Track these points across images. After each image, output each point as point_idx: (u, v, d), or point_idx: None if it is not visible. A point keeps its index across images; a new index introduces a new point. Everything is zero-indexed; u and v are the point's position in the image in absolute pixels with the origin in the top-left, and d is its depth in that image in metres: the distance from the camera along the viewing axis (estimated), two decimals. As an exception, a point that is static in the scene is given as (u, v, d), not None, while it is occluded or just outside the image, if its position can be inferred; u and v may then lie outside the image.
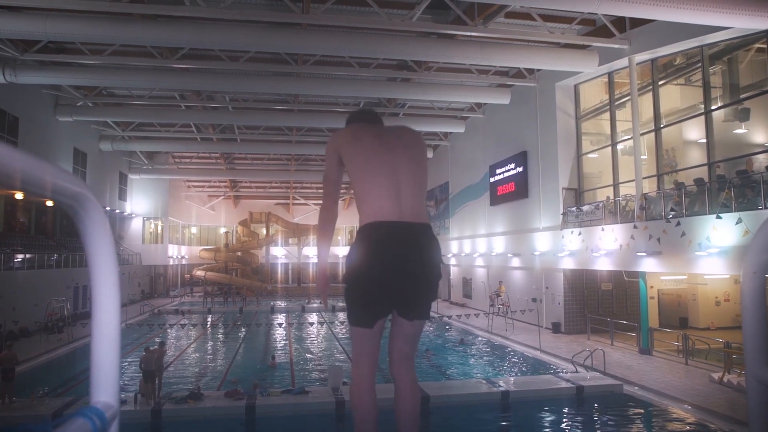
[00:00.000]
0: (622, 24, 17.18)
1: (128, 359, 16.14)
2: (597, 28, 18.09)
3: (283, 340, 21.78)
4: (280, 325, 24.20)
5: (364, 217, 2.38)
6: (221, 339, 22.67)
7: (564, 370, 14.34)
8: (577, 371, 13.82)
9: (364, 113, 2.81)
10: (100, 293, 0.98)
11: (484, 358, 17.97)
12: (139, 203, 38.97)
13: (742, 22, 13.12)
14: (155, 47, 18.55)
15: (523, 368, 15.99)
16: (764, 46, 13.90)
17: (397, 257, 2.28)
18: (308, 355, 18.73)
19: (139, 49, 18.99)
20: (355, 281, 2.35)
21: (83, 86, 23.80)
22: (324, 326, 24.58)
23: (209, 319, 28.08)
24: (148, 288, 39.14)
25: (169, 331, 22.49)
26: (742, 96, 15.04)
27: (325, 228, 2.51)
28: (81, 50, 19.00)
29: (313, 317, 28.47)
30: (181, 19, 15.64)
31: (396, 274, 2.28)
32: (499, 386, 12.40)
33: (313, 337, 22.68)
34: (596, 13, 16.01)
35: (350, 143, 2.51)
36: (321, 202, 2.63)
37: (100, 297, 0.98)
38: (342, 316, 25.97)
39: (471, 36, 17.15)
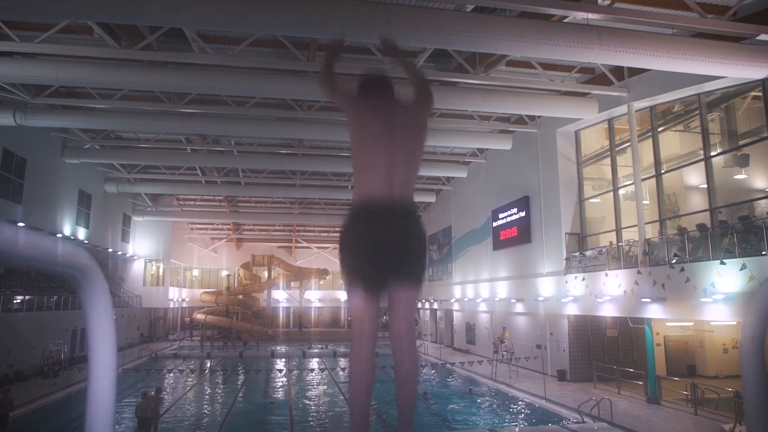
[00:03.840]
0: (620, 72, 17.54)
1: (124, 403, 15.78)
2: (596, 76, 18.47)
3: (283, 385, 21.35)
4: (280, 371, 23.77)
5: (356, 194, 2.55)
6: (220, 384, 22.24)
7: (570, 420, 13.96)
8: (583, 421, 13.45)
9: (377, 81, 2.80)
10: (98, 361, 0.97)
11: (488, 406, 17.55)
12: (142, 245, 38.93)
13: (736, 72, 13.35)
14: (163, 92, 18.97)
15: (528, 418, 15.59)
16: (760, 94, 14.14)
17: (385, 228, 2.44)
18: (308, 401, 18.33)
19: (148, 93, 19.41)
20: (348, 250, 2.49)
21: (91, 129, 24.20)
22: (325, 372, 24.14)
23: (208, 364, 27.62)
24: (147, 331, 38.66)
25: (167, 376, 22.10)
26: (741, 142, 15.20)
27: None
28: (91, 94, 19.41)
29: (314, 363, 28.00)
30: (190, 65, 16.07)
31: (384, 241, 2.42)
32: (504, 436, 12.06)
33: (314, 382, 22.24)
34: (595, 63, 16.38)
35: (357, 114, 2.64)
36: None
37: (97, 366, 0.97)
38: (343, 362, 25.54)
39: (473, 84, 17.51)
